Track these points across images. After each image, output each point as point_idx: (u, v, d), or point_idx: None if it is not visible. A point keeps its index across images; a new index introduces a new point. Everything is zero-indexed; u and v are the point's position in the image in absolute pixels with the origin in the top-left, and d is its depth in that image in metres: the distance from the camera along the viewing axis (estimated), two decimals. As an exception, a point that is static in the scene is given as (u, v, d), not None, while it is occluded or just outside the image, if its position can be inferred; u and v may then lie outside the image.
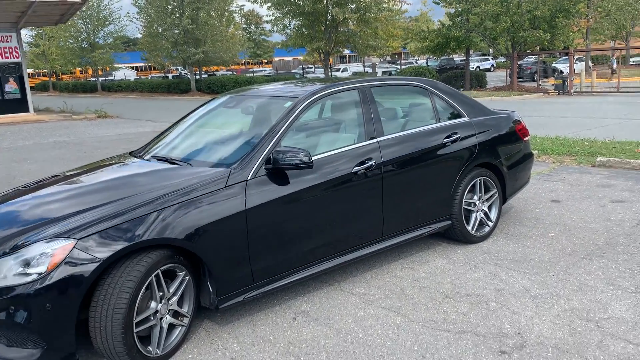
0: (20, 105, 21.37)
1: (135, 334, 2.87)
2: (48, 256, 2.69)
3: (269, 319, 3.57)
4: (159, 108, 25.23)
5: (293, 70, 54.56)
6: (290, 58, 71.16)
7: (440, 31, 26.49)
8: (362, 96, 4.14)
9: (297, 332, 3.40)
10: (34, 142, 13.37)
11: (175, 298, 3.12)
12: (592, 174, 7.26)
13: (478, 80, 27.30)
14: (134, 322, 2.86)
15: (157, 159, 3.93)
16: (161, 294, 3.04)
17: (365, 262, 4.40)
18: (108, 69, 56.75)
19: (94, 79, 50.19)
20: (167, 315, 3.10)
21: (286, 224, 3.50)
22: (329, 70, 31.48)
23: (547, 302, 3.61)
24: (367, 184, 3.92)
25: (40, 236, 2.80)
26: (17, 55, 21.00)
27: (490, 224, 4.89)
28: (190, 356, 3.17)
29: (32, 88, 60.23)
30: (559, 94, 22.31)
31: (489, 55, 50.95)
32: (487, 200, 4.88)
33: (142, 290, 2.87)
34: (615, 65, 34.82)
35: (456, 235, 4.69)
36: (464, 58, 29.42)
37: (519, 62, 33.73)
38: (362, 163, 3.88)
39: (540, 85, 25.08)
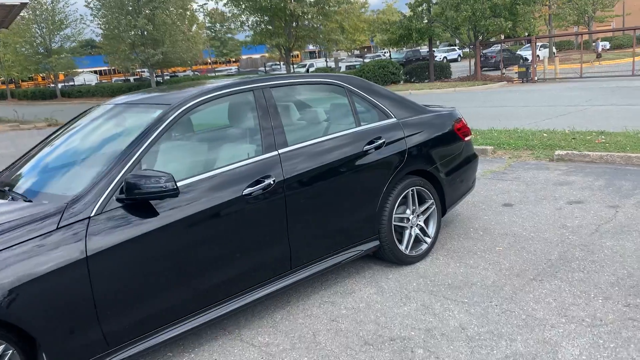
0: (-33, 116, 20.09)
1: None
2: None
3: (138, 389, 2.82)
4: (113, 113, 24.06)
5: (260, 68, 53.51)
6: (258, 55, 70.09)
7: (401, 22, 25.92)
8: (258, 99, 3.40)
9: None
10: (-39, 158, 12.29)
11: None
12: (550, 170, 6.66)
13: (443, 71, 26.84)
14: None
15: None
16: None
17: (279, 297, 3.67)
18: (66, 75, 54.97)
19: (53, 86, 48.45)
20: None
21: (152, 267, 2.75)
22: (292, 66, 30.69)
23: (485, 346, 2.94)
24: (265, 207, 3.18)
25: None
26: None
27: (428, 240, 4.20)
28: None
29: (-13, 97, 57.95)
30: (522, 82, 21.93)
31: (455, 46, 50.71)
32: (423, 213, 4.20)
33: None
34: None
35: (387, 257, 4.00)
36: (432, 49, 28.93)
37: (484, 51, 33.43)
38: (257, 182, 3.15)
39: (504, 73, 24.70)
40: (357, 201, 3.69)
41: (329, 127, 3.78)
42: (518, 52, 36.17)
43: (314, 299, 3.69)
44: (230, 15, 28.12)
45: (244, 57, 78.09)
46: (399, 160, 3.93)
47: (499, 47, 29.60)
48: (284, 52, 28.39)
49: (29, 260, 2.37)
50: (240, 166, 3.14)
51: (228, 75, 35.85)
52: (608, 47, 40.97)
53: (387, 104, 4.09)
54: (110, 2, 33.55)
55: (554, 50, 38.64)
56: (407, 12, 26.25)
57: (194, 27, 50.81)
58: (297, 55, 70.78)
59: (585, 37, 42.40)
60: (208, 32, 62.02)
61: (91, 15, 36.44)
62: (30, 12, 41.81)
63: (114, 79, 61.62)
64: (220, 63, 78.10)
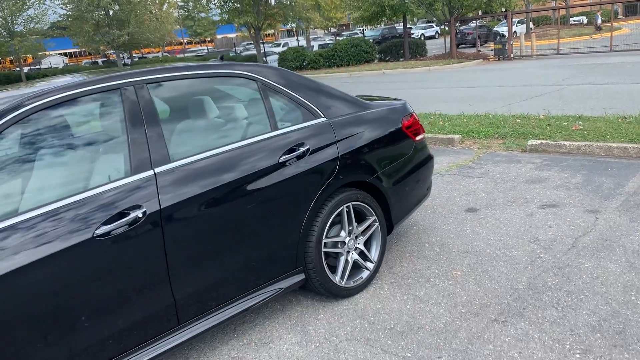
0: None
1: None
2: None
3: None
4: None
5: (237, 48, 51.82)
6: (234, 35, 68.18)
7: (374, -1, 24.85)
8: (127, 100, 2.54)
9: None
10: None
11: None
12: (522, 163, 5.92)
13: (418, 49, 25.95)
14: None
15: None
16: None
17: (177, 352, 2.86)
18: (34, 58, 52.89)
19: (17, 69, 46.54)
20: None
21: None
22: (263, 46, 29.51)
23: None
24: (132, 249, 2.36)
25: None
26: None
27: (370, 266, 3.43)
28: None
29: (-49, 81, 55.87)
30: (498, 60, 21.18)
31: (433, 22, 49.75)
32: (363, 233, 3.41)
33: None
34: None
35: (318, 290, 3.21)
36: (409, 26, 27.96)
37: (461, 28, 32.58)
38: (119, 216, 2.32)
39: (480, 51, 23.91)
40: (272, 228, 2.88)
41: (233, 134, 2.93)
42: (495, 29, 35.37)
43: (220, 352, 2.90)
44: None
45: (219, 36, 76.07)
46: (330, 171, 3.12)
47: (475, 24, 28.83)
48: (254, 31, 27.21)
49: None
50: (94, 195, 2.30)
51: (198, 57, 34.47)
52: (585, 22, 40.41)
53: (315, 99, 3.26)
54: (70, -20, 32.02)
55: (531, 26, 37.93)
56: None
57: (165, 6, 49.19)
58: (273, 34, 69.19)
59: (563, 12, 41.75)
60: (181, 11, 60.27)
61: (51, -6, 34.80)
62: (-12, -9, 39.94)
63: (84, 61, 59.59)
64: (195, 43, 76.18)
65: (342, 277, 3.27)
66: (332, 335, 2.95)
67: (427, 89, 14.00)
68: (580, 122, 7.12)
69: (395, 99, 3.96)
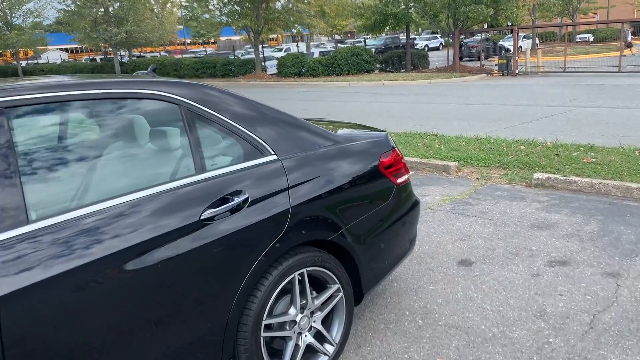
0: None
1: None
2: None
3: None
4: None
5: (238, 51, 51.03)
6: (237, 37, 67.45)
7: (376, 7, 24.13)
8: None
9: None
10: None
11: None
12: (527, 201, 5.14)
13: (420, 60, 25.19)
14: None
15: None
16: None
17: None
18: (34, 52, 52.22)
19: (16, 63, 45.89)
20: None
21: None
22: (262, 50, 28.75)
23: None
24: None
25: None
26: None
27: (331, 349, 2.63)
28: None
29: (-53, 74, 55.28)
30: (502, 75, 20.47)
31: (438, 33, 49.12)
32: (321, 307, 2.63)
33: None
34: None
35: (255, 386, 2.42)
36: (413, 36, 27.24)
37: (465, 41, 31.90)
38: None
39: (484, 65, 23.17)
40: (187, 309, 2.09)
41: (133, 180, 2.14)
42: (500, 43, 34.68)
43: None
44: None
45: (222, 38, 75.39)
46: (277, 228, 2.34)
47: (480, 37, 28.14)
48: (253, 34, 26.47)
49: None
50: None
51: (195, 58, 33.63)
52: (592, 39, 39.73)
53: (264, 130, 2.48)
54: (68, -25, 31.41)
55: (537, 41, 37.25)
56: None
57: (168, 5, 48.53)
58: (277, 38, 68.51)
59: (570, 28, 41.10)
60: (185, 11, 59.72)
61: (47, -12, 34.27)
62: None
63: (83, 58, 58.88)
64: (198, 44, 75.65)
65: (289, 368, 2.47)
66: None
67: (426, 103, 13.24)
68: (593, 154, 6.34)
69: (374, 129, 3.18)
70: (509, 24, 28.53)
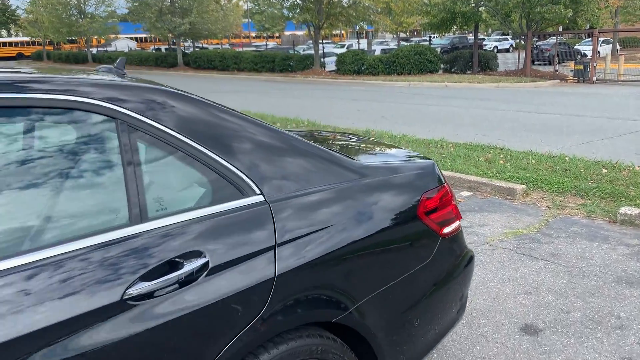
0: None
1: None
2: None
3: None
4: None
5: (300, 46, 50.59)
6: (301, 32, 67.28)
7: (444, 5, 22.87)
8: None
9: None
10: None
11: None
12: (611, 244, 4.14)
13: (488, 62, 23.74)
14: None
15: None
16: None
17: None
18: (106, 39, 53.80)
19: (86, 50, 47.50)
20: None
21: None
22: (322, 47, 28.04)
23: None
24: None
25: None
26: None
27: None
28: None
29: (27, 57, 58.00)
30: (578, 82, 18.84)
31: (508, 35, 46.88)
32: (319, 412, 1.84)
33: None
34: None
35: None
36: (482, 36, 25.81)
37: (538, 43, 29.98)
38: None
39: (557, 70, 21.47)
40: None
41: (30, 233, 1.42)
42: (576, 47, 32.46)
43: None
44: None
45: (287, 33, 75.45)
46: (250, 309, 1.57)
47: (555, 40, 26.30)
48: (313, 30, 25.82)
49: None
50: None
51: (255, 52, 33.31)
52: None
53: (247, 157, 1.71)
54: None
55: (618, 46, 34.68)
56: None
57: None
58: (341, 34, 67.70)
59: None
60: (252, 4, 60.03)
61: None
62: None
63: (150, 47, 60.27)
64: (263, 38, 76.02)
65: None
66: None
67: (492, 110, 12.11)
68: (695, 185, 5.21)
69: (415, 156, 2.36)
70: (588, 26, 26.49)
